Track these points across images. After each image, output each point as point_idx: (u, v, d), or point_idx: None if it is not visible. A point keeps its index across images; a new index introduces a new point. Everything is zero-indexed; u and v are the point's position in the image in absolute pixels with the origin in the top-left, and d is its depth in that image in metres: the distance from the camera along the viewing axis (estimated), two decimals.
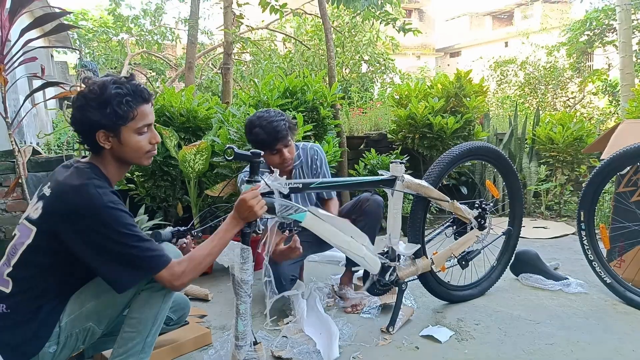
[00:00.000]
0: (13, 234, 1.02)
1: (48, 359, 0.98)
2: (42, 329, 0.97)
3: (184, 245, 1.22)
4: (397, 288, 1.61)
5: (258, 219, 1.18)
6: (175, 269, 0.98)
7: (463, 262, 1.75)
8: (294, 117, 2.53)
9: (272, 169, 1.29)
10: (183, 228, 1.23)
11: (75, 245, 0.94)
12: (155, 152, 1.08)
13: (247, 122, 1.66)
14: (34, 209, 0.99)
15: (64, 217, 0.93)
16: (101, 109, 0.94)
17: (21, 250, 0.97)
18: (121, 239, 0.93)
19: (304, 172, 1.85)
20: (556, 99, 8.57)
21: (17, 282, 0.97)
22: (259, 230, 1.22)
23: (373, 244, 1.81)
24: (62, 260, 0.97)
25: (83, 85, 1.00)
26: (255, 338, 1.24)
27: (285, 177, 1.59)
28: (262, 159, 1.23)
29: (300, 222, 1.33)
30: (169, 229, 1.21)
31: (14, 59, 1.99)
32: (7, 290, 0.97)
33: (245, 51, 6.84)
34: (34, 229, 0.97)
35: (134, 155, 1.02)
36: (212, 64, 7.89)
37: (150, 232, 1.12)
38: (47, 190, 0.99)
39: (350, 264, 1.87)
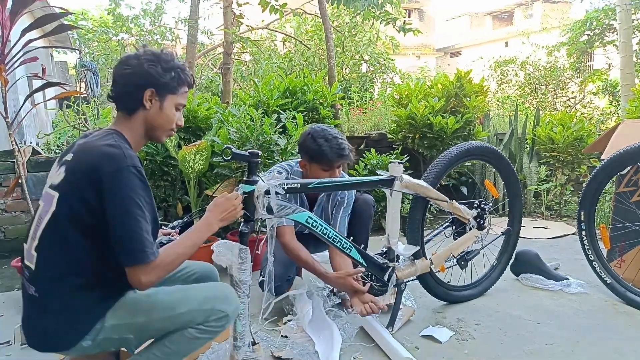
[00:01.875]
0: (37, 205, 1.00)
1: (77, 351, 0.96)
2: (82, 324, 0.94)
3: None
4: (396, 288, 1.61)
5: (258, 219, 1.18)
6: (151, 267, 0.93)
7: (462, 263, 1.75)
8: (294, 117, 2.52)
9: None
10: (167, 238, 1.21)
11: (96, 203, 0.91)
12: (174, 133, 1.13)
13: (310, 130, 1.61)
14: (57, 174, 0.97)
15: (86, 173, 0.92)
16: (167, 70, 1.01)
17: (46, 219, 0.94)
18: (130, 208, 0.90)
19: (327, 201, 1.79)
20: (556, 99, 8.56)
21: (42, 255, 0.94)
22: (257, 230, 1.21)
23: (367, 243, 1.84)
24: (89, 232, 0.93)
25: (147, 48, 1.04)
26: (253, 338, 1.24)
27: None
28: (259, 159, 1.22)
29: (301, 222, 1.33)
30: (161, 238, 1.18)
31: (15, 59, 1.99)
32: (33, 267, 0.95)
33: (245, 51, 6.84)
34: (56, 194, 0.94)
35: (162, 125, 1.05)
36: (212, 63, 7.89)
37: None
38: (69, 156, 0.98)
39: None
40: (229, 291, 1.07)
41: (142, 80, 1.00)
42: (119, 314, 0.97)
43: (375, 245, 1.87)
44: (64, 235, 0.94)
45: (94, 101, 4.49)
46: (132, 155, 0.95)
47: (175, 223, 1.35)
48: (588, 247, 1.89)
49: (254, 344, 1.24)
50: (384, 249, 1.59)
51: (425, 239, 1.72)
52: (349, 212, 1.77)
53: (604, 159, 1.88)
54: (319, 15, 3.65)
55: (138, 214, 0.91)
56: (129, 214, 0.91)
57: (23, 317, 1.00)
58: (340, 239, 1.43)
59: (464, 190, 3.45)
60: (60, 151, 3.39)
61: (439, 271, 1.73)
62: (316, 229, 1.37)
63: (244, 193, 1.23)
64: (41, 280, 0.95)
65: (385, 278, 1.56)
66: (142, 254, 0.91)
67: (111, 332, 0.96)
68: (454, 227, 1.79)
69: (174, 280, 1.17)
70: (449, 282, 1.85)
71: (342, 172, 1.69)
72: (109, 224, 0.91)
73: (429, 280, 1.73)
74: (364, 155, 3.08)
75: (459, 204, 1.72)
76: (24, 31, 1.98)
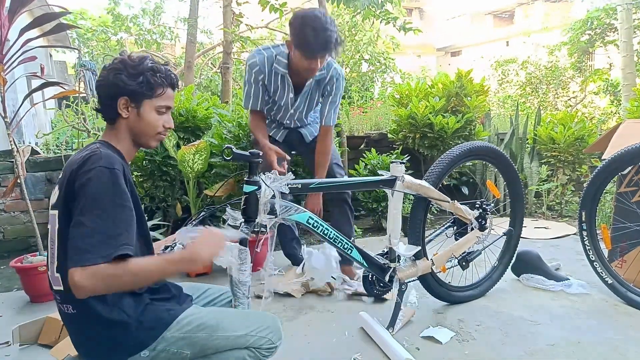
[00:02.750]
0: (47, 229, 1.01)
1: None
2: (144, 333, 0.92)
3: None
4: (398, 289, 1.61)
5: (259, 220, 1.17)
6: (109, 268, 0.83)
7: (464, 263, 1.74)
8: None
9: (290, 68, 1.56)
10: (174, 242, 1.15)
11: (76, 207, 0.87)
12: (165, 136, 1.09)
13: (301, 16, 1.53)
14: (54, 194, 0.98)
15: (68, 184, 0.91)
16: (134, 76, 0.98)
17: (56, 239, 0.94)
18: (88, 206, 0.85)
19: (316, 89, 1.81)
20: (557, 98, 8.55)
21: (64, 274, 0.89)
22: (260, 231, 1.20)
23: (351, 232, 2.02)
24: None
25: (119, 56, 1.03)
26: None
27: (291, 95, 1.78)
28: (260, 159, 1.21)
29: (302, 222, 1.32)
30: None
31: (13, 58, 1.98)
32: (62, 289, 0.93)
33: (244, 50, 6.82)
34: (56, 212, 0.94)
35: (145, 131, 1.03)
36: (211, 63, 7.88)
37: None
38: (61, 174, 0.99)
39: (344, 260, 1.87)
40: (280, 324, 1.08)
41: (111, 90, 0.98)
42: (183, 327, 0.96)
43: (376, 246, 1.88)
44: None
45: (93, 101, 4.48)
46: (109, 156, 0.91)
47: (190, 220, 1.25)
48: (589, 247, 1.88)
49: None
50: (385, 250, 1.59)
51: (426, 240, 1.71)
52: (336, 106, 1.83)
53: (605, 159, 1.87)
54: None
55: (98, 213, 0.85)
56: (86, 212, 0.85)
57: (72, 340, 0.99)
58: (341, 239, 1.42)
59: (465, 190, 3.44)
60: (59, 151, 3.38)
61: (440, 272, 1.73)
62: (317, 229, 1.36)
63: (245, 193, 1.23)
64: (73, 297, 0.86)
65: (387, 278, 1.55)
66: (80, 256, 0.82)
67: (170, 344, 0.95)
68: (455, 228, 1.78)
69: (215, 303, 1.18)
70: (450, 282, 1.84)
71: (331, 63, 1.73)
72: (72, 225, 0.86)
73: (430, 281, 1.72)
74: (364, 155, 3.07)
75: (461, 204, 1.71)
76: (23, 30, 1.97)
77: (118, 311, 0.92)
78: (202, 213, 1.22)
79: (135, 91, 0.98)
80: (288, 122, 1.92)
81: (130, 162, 1.08)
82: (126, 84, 0.98)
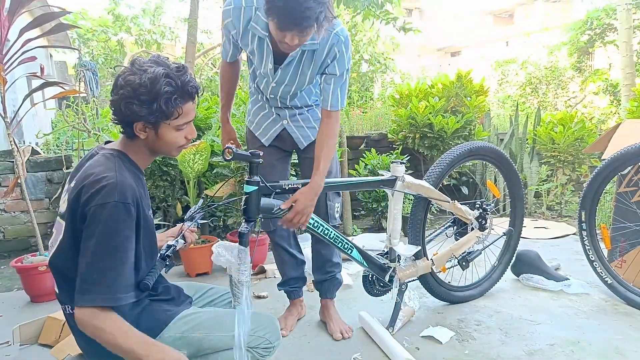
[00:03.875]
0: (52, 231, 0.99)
1: None
2: (151, 331, 0.92)
3: (183, 247, 1.19)
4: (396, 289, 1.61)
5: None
6: (100, 317, 0.83)
7: (464, 263, 1.75)
8: None
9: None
10: (177, 240, 1.14)
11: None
12: (188, 146, 1.05)
13: None
14: (63, 202, 0.95)
15: (80, 206, 0.87)
16: (148, 104, 0.90)
17: (55, 246, 0.93)
18: (100, 246, 0.84)
19: (308, 63, 1.37)
20: (557, 98, 8.56)
21: (57, 279, 0.94)
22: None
23: (335, 216, 1.58)
24: None
25: (131, 69, 0.91)
26: None
27: (270, 66, 1.34)
28: (260, 159, 1.21)
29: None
30: (163, 248, 1.09)
31: (13, 58, 1.98)
32: (57, 291, 0.95)
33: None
34: (63, 222, 0.92)
35: (166, 149, 0.99)
36: (211, 63, 7.88)
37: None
38: (72, 183, 0.93)
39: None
40: (278, 324, 1.08)
41: (127, 116, 0.91)
42: (180, 327, 0.96)
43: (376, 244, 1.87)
44: (74, 259, 0.89)
45: (94, 101, 4.49)
46: (124, 187, 0.87)
47: (193, 210, 1.20)
48: (589, 247, 1.88)
49: None
50: (385, 250, 1.59)
51: (426, 239, 1.71)
52: (344, 83, 1.39)
53: (604, 159, 1.87)
54: None
55: (108, 253, 0.84)
56: (96, 252, 0.83)
57: (76, 339, 0.99)
58: (341, 239, 1.42)
59: (465, 190, 3.45)
60: (59, 151, 3.38)
61: (440, 271, 1.73)
62: (317, 229, 1.36)
63: (246, 193, 1.23)
64: (68, 299, 0.92)
65: (386, 278, 1.55)
66: (81, 295, 0.83)
67: (167, 344, 0.94)
68: (455, 228, 1.79)
69: (215, 304, 1.17)
70: (449, 282, 1.84)
71: (333, 27, 1.28)
72: (80, 255, 0.85)
73: (430, 281, 1.73)
74: (364, 155, 3.07)
75: (461, 204, 1.71)
76: (23, 30, 1.97)
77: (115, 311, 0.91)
78: (197, 209, 1.22)
79: (149, 117, 0.91)
80: (272, 96, 1.49)
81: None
82: (139, 113, 0.90)
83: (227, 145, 1.14)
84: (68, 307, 0.95)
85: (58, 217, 0.96)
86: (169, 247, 1.10)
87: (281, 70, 1.39)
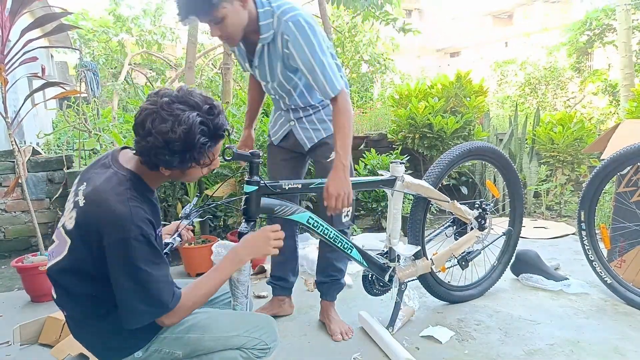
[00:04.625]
0: (52, 239, 0.98)
1: None
2: (146, 333, 0.95)
3: (179, 245, 1.20)
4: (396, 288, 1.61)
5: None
6: (176, 313, 0.93)
7: (463, 263, 1.75)
8: None
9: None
10: (174, 238, 1.17)
11: (102, 261, 0.88)
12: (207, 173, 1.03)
13: None
14: (69, 217, 0.92)
15: (92, 233, 0.87)
16: (180, 154, 0.86)
17: (58, 259, 0.92)
18: (141, 275, 0.87)
19: (275, 57, 1.32)
20: (556, 99, 8.57)
21: (57, 288, 0.95)
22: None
23: (342, 220, 1.54)
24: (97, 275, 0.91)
25: (160, 113, 0.84)
26: None
27: (246, 63, 1.36)
28: (260, 159, 1.21)
29: (302, 223, 1.32)
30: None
31: (14, 59, 1.99)
32: (54, 295, 0.97)
33: None
34: (69, 240, 0.91)
35: (187, 179, 1.00)
36: (212, 64, 7.89)
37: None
38: (81, 198, 0.90)
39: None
40: (275, 325, 1.07)
41: (153, 163, 0.88)
42: (176, 328, 0.97)
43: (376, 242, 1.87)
44: (74, 278, 0.92)
45: (94, 101, 4.49)
46: (140, 216, 0.86)
47: (187, 208, 1.22)
48: (588, 247, 1.89)
49: None
50: (385, 249, 1.59)
51: (426, 239, 1.72)
52: (324, 68, 1.27)
53: (603, 159, 1.87)
54: (319, 15, 3.64)
55: (144, 276, 0.87)
56: (135, 281, 0.86)
57: (73, 334, 1.00)
58: (341, 239, 1.43)
59: (464, 190, 3.45)
60: (59, 151, 3.39)
61: (439, 271, 1.73)
62: (317, 229, 1.37)
63: (246, 193, 1.23)
64: (65, 306, 0.96)
65: (386, 278, 1.56)
66: (158, 310, 0.90)
67: (163, 345, 0.96)
68: (455, 227, 1.79)
69: (214, 304, 1.18)
70: (449, 282, 1.85)
71: (235, 14, 1.19)
72: (117, 289, 0.88)
73: (429, 281, 1.73)
74: (364, 155, 3.07)
75: (460, 204, 1.72)
76: (24, 31, 1.98)
77: (111, 319, 0.93)
78: (192, 207, 1.22)
79: (180, 166, 0.89)
80: (273, 96, 1.50)
81: None
82: (170, 163, 0.87)
83: (227, 146, 1.15)
84: (65, 311, 0.97)
85: (62, 230, 0.93)
86: (166, 244, 1.11)
87: (257, 68, 1.39)
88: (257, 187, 1.22)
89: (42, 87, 2.10)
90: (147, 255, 0.87)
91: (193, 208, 1.21)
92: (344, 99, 1.32)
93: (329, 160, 1.44)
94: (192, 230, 1.24)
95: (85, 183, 0.93)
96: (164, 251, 1.07)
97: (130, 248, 0.84)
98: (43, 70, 2.18)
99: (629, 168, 1.88)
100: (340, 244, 1.42)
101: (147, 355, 0.96)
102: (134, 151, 0.92)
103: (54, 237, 0.97)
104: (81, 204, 0.90)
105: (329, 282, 1.64)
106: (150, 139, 0.84)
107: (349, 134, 1.31)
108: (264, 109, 2.52)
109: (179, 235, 1.17)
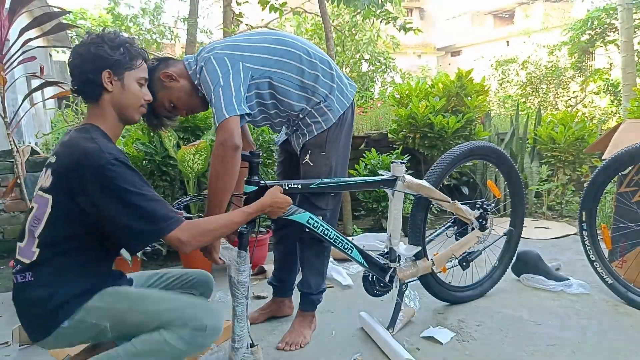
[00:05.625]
0: (30, 207, 1.01)
1: (58, 337, 0.96)
2: (65, 306, 0.95)
3: None
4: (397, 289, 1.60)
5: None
6: (187, 229, 0.95)
7: (464, 263, 1.74)
8: None
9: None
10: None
11: (87, 203, 0.93)
12: (145, 110, 1.11)
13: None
14: (45, 178, 0.99)
15: (71, 177, 0.93)
16: (115, 48, 1.00)
17: (44, 220, 0.96)
18: (131, 197, 0.91)
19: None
20: (558, 98, 8.56)
21: (43, 251, 0.97)
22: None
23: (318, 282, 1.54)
24: (84, 229, 0.96)
25: (86, 35, 1.02)
26: (252, 340, 1.23)
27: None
28: (260, 159, 1.21)
29: (302, 222, 1.31)
30: None
31: (13, 58, 1.98)
32: (33, 259, 0.98)
33: None
34: (50, 197, 0.96)
35: (131, 103, 1.04)
36: None
37: None
38: (52, 159, 0.99)
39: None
40: (215, 308, 1.02)
41: (94, 64, 0.99)
42: (105, 298, 0.97)
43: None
44: (64, 234, 0.96)
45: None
46: (109, 147, 0.95)
47: (180, 200, 1.29)
48: (589, 247, 1.88)
49: (252, 345, 1.23)
50: (386, 250, 1.58)
51: (426, 240, 1.71)
52: (216, 96, 1.22)
53: (605, 159, 1.86)
54: (319, 14, 3.63)
55: (137, 196, 0.92)
56: (127, 202, 0.91)
57: (17, 311, 1.02)
58: (341, 239, 1.42)
59: (465, 190, 3.44)
60: None
61: (440, 272, 1.72)
62: (317, 229, 1.36)
63: (246, 193, 1.22)
64: (38, 268, 0.97)
65: (387, 279, 1.55)
66: (159, 225, 0.92)
67: (90, 314, 0.95)
68: (455, 228, 1.78)
69: (172, 286, 1.16)
70: (450, 282, 1.84)
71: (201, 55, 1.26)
72: (113, 219, 0.92)
73: (430, 281, 1.72)
74: (364, 155, 3.06)
75: (461, 204, 1.71)
76: (23, 30, 1.97)
77: (68, 275, 0.96)
78: (186, 199, 1.22)
79: (118, 62, 1.00)
80: (261, 124, 1.53)
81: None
82: (109, 55, 0.99)
83: None
84: (29, 275, 0.97)
85: (39, 191, 0.99)
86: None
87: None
88: (257, 187, 1.21)
89: (40, 87, 2.09)
90: (128, 177, 0.92)
91: (184, 201, 1.21)
92: (222, 129, 1.18)
93: (304, 162, 1.45)
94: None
95: (54, 152, 1.02)
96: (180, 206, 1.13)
97: (108, 172, 0.91)
98: (42, 69, 2.17)
99: (630, 168, 1.87)
100: (340, 244, 1.42)
101: (73, 325, 0.95)
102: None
103: (32, 204, 1.00)
104: (53, 160, 0.99)
105: (303, 293, 1.56)
106: (90, 40, 1.00)
107: (217, 200, 1.19)
108: None
109: None
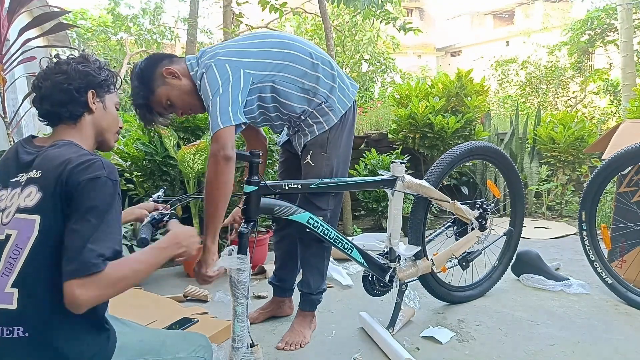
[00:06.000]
0: (4, 237, 0.82)
1: None
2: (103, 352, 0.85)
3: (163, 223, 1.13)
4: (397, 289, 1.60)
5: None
6: (90, 280, 0.76)
7: (464, 263, 1.74)
8: None
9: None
10: (159, 212, 1.12)
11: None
12: (119, 136, 1.09)
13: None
14: (27, 196, 0.83)
15: (64, 184, 0.81)
16: (99, 70, 0.99)
17: (28, 248, 0.79)
18: (93, 214, 0.79)
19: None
20: (557, 98, 8.56)
21: (25, 290, 0.78)
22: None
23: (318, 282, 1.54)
24: None
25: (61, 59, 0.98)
26: (252, 340, 1.23)
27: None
28: (260, 159, 1.21)
29: (302, 222, 1.31)
30: (147, 220, 1.09)
31: (13, 58, 1.98)
32: (13, 307, 0.77)
33: None
34: (37, 216, 0.80)
35: (111, 127, 1.01)
36: None
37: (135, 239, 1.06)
38: (34, 173, 0.84)
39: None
40: (210, 343, 1.04)
41: (82, 82, 0.94)
42: (126, 353, 0.91)
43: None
44: (53, 263, 0.79)
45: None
46: (109, 165, 0.86)
47: (157, 194, 1.20)
48: (589, 247, 1.88)
49: (252, 345, 1.23)
50: (385, 250, 1.59)
51: (426, 240, 1.71)
52: (214, 106, 1.23)
53: (605, 159, 1.87)
54: (319, 14, 3.63)
55: (107, 225, 0.80)
56: (97, 224, 0.79)
57: None
58: (341, 239, 1.42)
59: (465, 190, 3.45)
60: None
61: (440, 272, 1.73)
62: (317, 229, 1.36)
63: (246, 193, 1.22)
64: (31, 318, 0.78)
65: (387, 278, 1.55)
66: (84, 266, 0.75)
67: None
68: (455, 228, 1.78)
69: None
70: (449, 282, 1.84)
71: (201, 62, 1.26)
72: (67, 229, 0.78)
73: (430, 281, 1.72)
74: (364, 155, 3.07)
75: (461, 204, 1.71)
76: (22, 30, 1.97)
77: (75, 341, 0.81)
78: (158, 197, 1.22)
79: (102, 84, 0.98)
80: (261, 126, 1.57)
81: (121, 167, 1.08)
82: (96, 75, 0.96)
83: None
84: (19, 330, 0.77)
85: (18, 214, 0.82)
86: (157, 217, 1.10)
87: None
88: (257, 187, 1.21)
89: None
90: (113, 201, 0.83)
91: (160, 198, 1.20)
92: (217, 140, 1.17)
93: (305, 162, 1.44)
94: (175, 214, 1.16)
95: (32, 168, 0.86)
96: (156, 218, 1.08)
97: (100, 186, 0.82)
98: None
99: (630, 168, 1.87)
100: (340, 244, 1.42)
101: None
102: (43, 136, 1.00)
103: (7, 232, 0.82)
104: (38, 175, 0.84)
105: (303, 293, 1.57)
106: (76, 61, 0.97)
107: (212, 211, 1.16)
108: None
109: (160, 215, 1.13)
